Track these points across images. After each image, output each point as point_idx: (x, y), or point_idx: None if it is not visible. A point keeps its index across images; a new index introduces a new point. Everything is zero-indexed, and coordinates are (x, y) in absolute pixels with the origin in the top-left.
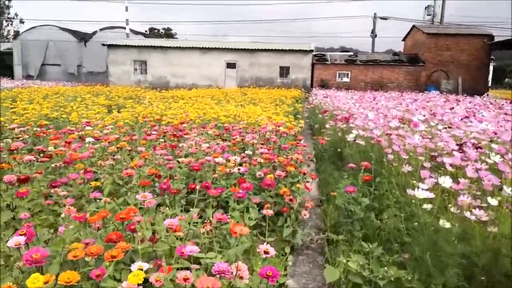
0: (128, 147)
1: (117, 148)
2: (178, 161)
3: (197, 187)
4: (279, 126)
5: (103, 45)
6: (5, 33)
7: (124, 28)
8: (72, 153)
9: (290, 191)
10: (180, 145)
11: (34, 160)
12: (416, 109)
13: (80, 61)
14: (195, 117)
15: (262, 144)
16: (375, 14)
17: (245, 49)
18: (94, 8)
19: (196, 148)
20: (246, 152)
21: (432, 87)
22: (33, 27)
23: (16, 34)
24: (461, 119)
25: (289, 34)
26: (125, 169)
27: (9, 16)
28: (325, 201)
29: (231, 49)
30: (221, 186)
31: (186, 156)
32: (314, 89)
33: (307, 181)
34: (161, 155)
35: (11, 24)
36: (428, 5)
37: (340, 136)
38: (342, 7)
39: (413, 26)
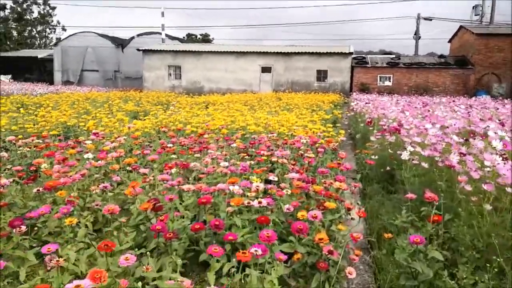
0: (133, 164)
1: (118, 168)
2: (183, 189)
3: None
4: (315, 141)
5: (138, 50)
6: (48, 41)
7: (160, 33)
8: (58, 174)
9: (328, 235)
10: (192, 164)
11: (7, 185)
12: (481, 119)
13: (117, 67)
14: (221, 126)
15: (293, 163)
16: (418, 14)
17: (280, 53)
18: (133, 14)
19: (213, 167)
20: (273, 172)
21: (482, 92)
22: (73, 34)
23: (58, 40)
24: None
25: (325, 37)
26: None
27: (52, 24)
28: (375, 244)
29: (266, 52)
30: (234, 227)
31: (198, 179)
32: (353, 93)
33: (352, 218)
34: (162, 181)
35: (54, 32)
36: (476, 5)
37: (390, 152)
38: (381, 8)
39: (461, 27)
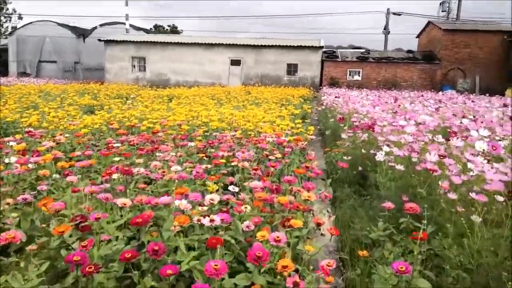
0: (67, 169)
1: (49, 173)
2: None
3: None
4: (281, 142)
5: (100, 40)
6: (3, 30)
7: (124, 24)
8: None
9: (294, 256)
10: (135, 170)
11: None
12: (454, 115)
13: (78, 58)
14: (181, 122)
15: (256, 168)
16: (388, 9)
17: (250, 45)
18: (97, 4)
19: (163, 173)
20: (234, 176)
21: (447, 87)
22: (30, 23)
23: (13, 29)
24: None
25: (296, 31)
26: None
27: (7, 12)
28: (347, 262)
29: (236, 45)
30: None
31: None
32: (323, 87)
33: (322, 234)
34: (90, 193)
35: (10, 20)
36: (443, 1)
37: (363, 152)
38: (350, 2)
39: (429, 22)
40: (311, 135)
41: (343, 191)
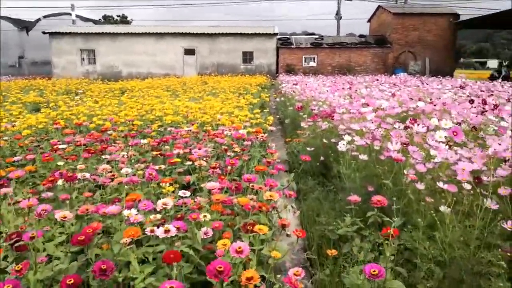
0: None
1: None
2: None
3: None
4: (240, 136)
5: (44, 33)
6: None
7: (70, 14)
8: None
9: (258, 260)
10: (80, 175)
11: None
12: (411, 98)
13: (22, 52)
14: (132, 118)
15: (214, 165)
16: None
17: (204, 34)
18: None
19: (111, 176)
20: (191, 174)
21: (400, 70)
22: None
23: None
24: (482, 112)
25: (249, 18)
26: None
27: None
28: (315, 261)
29: (189, 34)
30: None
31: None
32: (280, 75)
33: (288, 234)
34: (27, 208)
35: None
36: None
37: (324, 142)
38: None
39: (379, 7)
40: (271, 125)
41: (307, 183)
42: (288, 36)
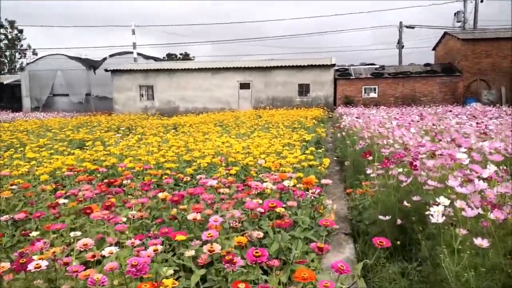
0: None
1: None
2: None
3: None
4: (283, 188)
5: (106, 70)
6: (19, 66)
7: (132, 53)
8: None
9: None
10: (32, 265)
11: None
12: None
13: (89, 90)
14: (170, 157)
15: (240, 242)
16: (400, 23)
17: (258, 67)
18: (108, 35)
19: (91, 257)
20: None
21: (472, 99)
22: (41, 58)
23: (24, 65)
24: None
25: (305, 51)
26: None
27: (22, 48)
28: None
29: (244, 68)
30: None
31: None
32: (338, 107)
33: None
34: None
35: (24, 56)
36: (458, 11)
37: (400, 197)
38: (358, 20)
39: (445, 33)
40: (327, 167)
41: (374, 253)
42: (347, 67)
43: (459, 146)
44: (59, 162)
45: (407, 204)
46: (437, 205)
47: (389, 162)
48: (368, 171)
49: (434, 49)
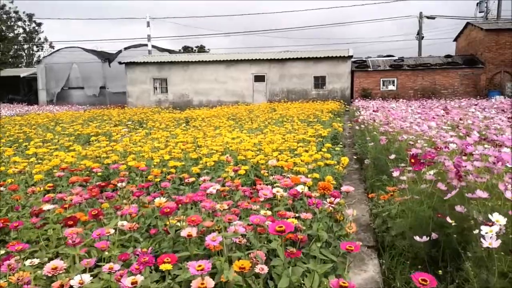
0: None
1: None
2: None
3: None
4: (296, 195)
5: (120, 63)
6: (36, 59)
7: (146, 45)
8: None
9: None
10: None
11: None
12: None
13: (104, 83)
14: (177, 154)
15: (243, 267)
16: (421, 13)
17: (273, 59)
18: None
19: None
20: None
21: (495, 92)
22: (56, 51)
23: (41, 58)
24: None
25: (322, 42)
26: None
27: (39, 41)
28: None
29: (258, 60)
30: None
31: None
32: (355, 100)
33: None
34: None
35: (42, 49)
36: (480, 1)
37: (435, 206)
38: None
39: (467, 24)
40: (345, 167)
41: (402, 270)
42: (364, 59)
43: (500, 146)
44: (58, 159)
45: (450, 221)
46: (491, 224)
47: (422, 164)
48: (395, 174)
49: (455, 40)
